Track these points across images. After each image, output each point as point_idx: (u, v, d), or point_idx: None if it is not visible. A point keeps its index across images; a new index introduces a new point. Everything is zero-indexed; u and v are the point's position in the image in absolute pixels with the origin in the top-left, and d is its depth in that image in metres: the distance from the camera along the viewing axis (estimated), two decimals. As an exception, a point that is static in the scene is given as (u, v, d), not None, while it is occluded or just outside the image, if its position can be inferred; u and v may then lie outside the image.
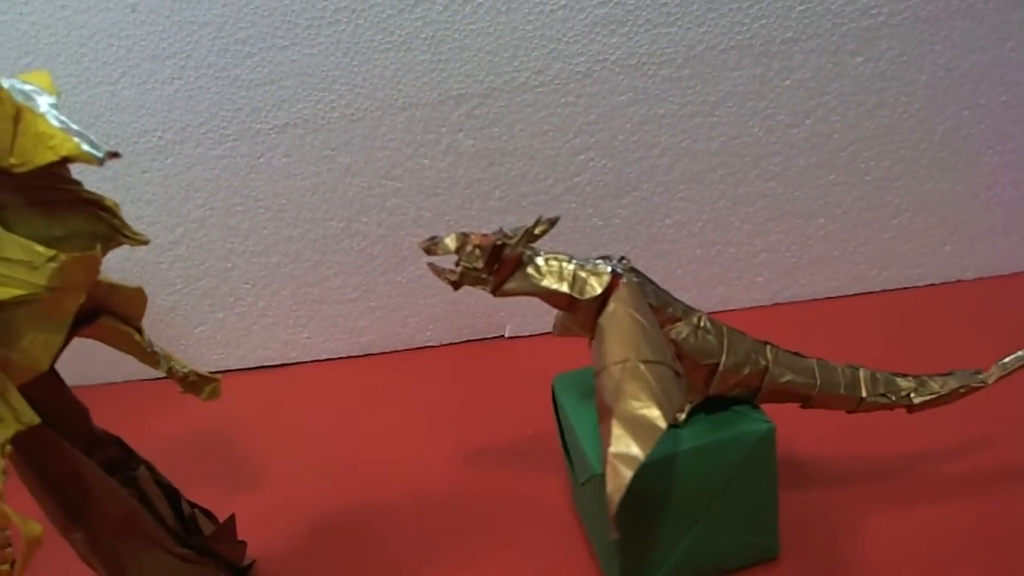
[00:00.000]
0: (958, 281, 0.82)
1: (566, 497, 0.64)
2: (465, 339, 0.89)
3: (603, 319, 0.47)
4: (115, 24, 0.78)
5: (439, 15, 0.75)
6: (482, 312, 0.88)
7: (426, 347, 0.90)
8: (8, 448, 0.45)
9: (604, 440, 0.41)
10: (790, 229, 0.81)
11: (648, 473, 0.49)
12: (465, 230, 0.49)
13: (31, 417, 0.47)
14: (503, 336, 0.89)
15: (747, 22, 0.73)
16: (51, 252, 0.45)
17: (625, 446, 0.40)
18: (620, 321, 0.46)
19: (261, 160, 0.82)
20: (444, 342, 0.90)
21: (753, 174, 0.79)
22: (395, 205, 0.83)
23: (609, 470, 0.39)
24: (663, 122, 0.77)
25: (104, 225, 0.49)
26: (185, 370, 0.57)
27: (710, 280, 0.83)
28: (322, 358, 0.91)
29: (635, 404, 0.41)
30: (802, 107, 0.76)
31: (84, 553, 0.54)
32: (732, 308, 0.84)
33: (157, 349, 0.56)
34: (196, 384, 0.58)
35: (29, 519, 0.45)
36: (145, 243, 0.50)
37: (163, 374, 0.56)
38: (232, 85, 0.79)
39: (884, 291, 0.82)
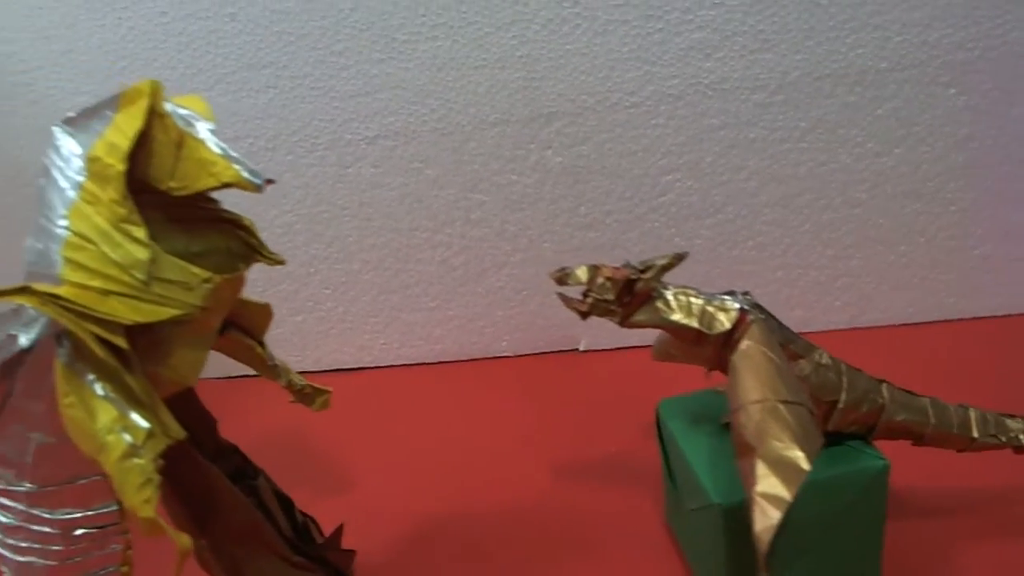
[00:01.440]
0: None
1: (659, 514, 0.65)
2: (540, 351, 0.91)
3: (737, 357, 0.48)
4: (213, 32, 0.80)
5: (536, 34, 0.76)
6: (558, 325, 0.89)
7: (501, 357, 0.92)
8: (160, 462, 0.46)
9: (746, 477, 0.42)
10: (872, 255, 0.81)
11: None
12: (596, 262, 0.51)
13: (178, 431, 0.48)
14: (577, 349, 0.90)
15: (843, 51, 0.73)
16: (206, 274, 0.46)
17: (772, 487, 0.41)
18: (755, 360, 0.47)
19: (350, 170, 0.84)
20: (519, 353, 0.91)
21: (839, 200, 0.79)
22: (479, 218, 0.85)
23: (757, 510, 0.41)
24: (752, 146, 0.78)
25: (239, 243, 0.50)
26: (302, 383, 0.59)
27: (789, 302, 0.84)
28: (397, 364, 0.93)
29: (778, 445, 0.42)
30: (892, 136, 0.76)
31: (206, 560, 0.55)
32: (809, 330, 0.85)
33: (277, 362, 0.58)
34: (309, 395, 0.60)
35: (179, 532, 0.46)
36: (281, 263, 0.52)
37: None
38: (326, 96, 0.81)
39: (962, 319, 0.83)
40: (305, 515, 0.60)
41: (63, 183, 0.45)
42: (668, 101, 0.77)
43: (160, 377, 0.47)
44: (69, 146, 0.45)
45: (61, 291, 0.44)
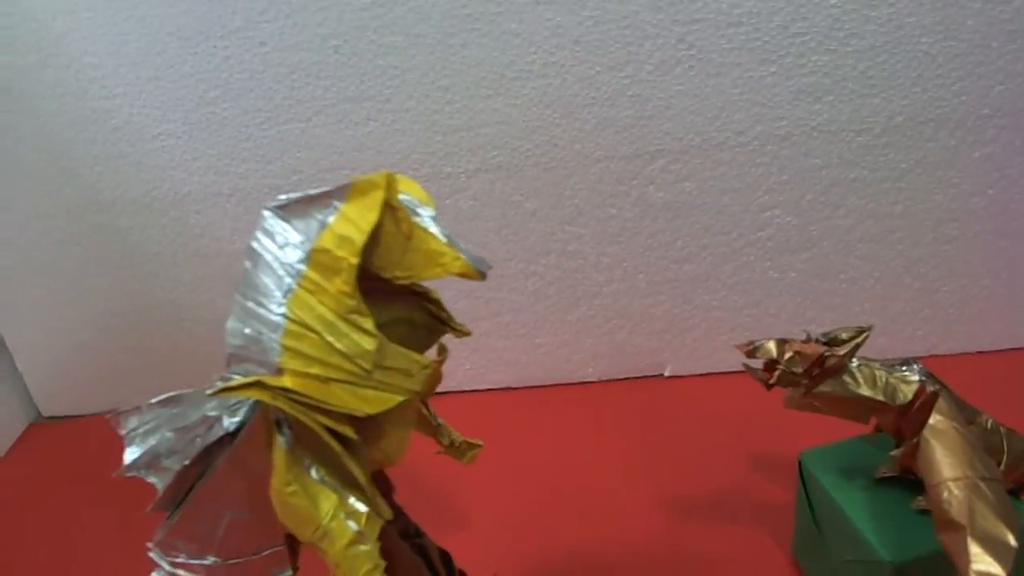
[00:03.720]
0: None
1: (782, 548, 0.68)
2: (624, 376, 0.93)
3: (929, 433, 0.50)
4: (315, 64, 0.78)
5: (648, 75, 0.76)
6: (645, 352, 0.91)
7: (585, 382, 0.93)
8: (379, 544, 0.47)
9: (958, 555, 0.45)
10: (957, 288, 0.85)
11: (929, 562, 0.53)
12: (785, 337, 0.52)
13: (388, 512, 0.49)
14: (662, 375, 0.92)
15: (948, 98, 0.75)
16: (427, 360, 0.47)
17: (987, 565, 0.44)
18: (948, 435, 0.49)
19: (448, 201, 0.83)
20: (603, 378, 0.93)
21: (930, 237, 0.82)
22: (576, 250, 0.85)
23: (980, 588, 0.43)
24: (852, 185, 0.80)
25: (423, 314, 0.51)
26: (460, 440, 0.60)
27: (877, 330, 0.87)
28: (481, 388, 0.94)
29: (986, 524, 0.45)
30: (987, 178, 0.79)
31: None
32: (888, 356, 0.88)
33: (440, 422, 0.59)
34: (461, 449, 0.61)
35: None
36: (468, 334, 0.52)
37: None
38: (428, 130, 0.80)
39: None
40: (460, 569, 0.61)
41: (279, 270, 0.44)
42: (775, 141, 0.78)
43: (369, 458, 0.48)
44: (285, 233, 0.45)
45: (288, 383, 0.44)
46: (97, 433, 1.02)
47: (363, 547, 0.46)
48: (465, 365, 0.92)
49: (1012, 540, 0.44)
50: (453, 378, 0.92)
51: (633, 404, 0.89)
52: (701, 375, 0.91)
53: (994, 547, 0.44)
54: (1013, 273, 0.84)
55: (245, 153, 0.83)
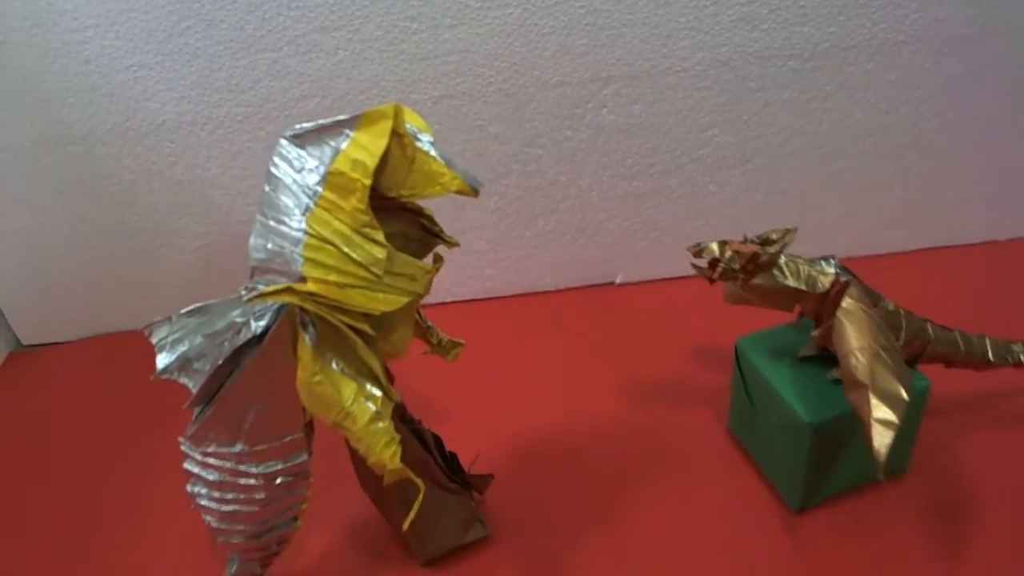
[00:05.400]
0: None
1: (720, 424, 0.79)
2: (580, 284, 1.02)
3: (841, 313, 0.60)
4: (285, -5, 0.82)
5: (602, 4, 0.82)
6: (598, 262, 1.00)
7: (544, 292, 1.02)
8: (392, 423, 0.55)
9: (860, 407, 0.55)
10: (873, 197, 0.95)
11: (841, 421, 0.64)
12: (725, 239, 0.61)
13: (397, 396, 0.57)
14: (614, 283, 1.02)
15: (868, 26, 0.84)
16: (428, 266, 0.54)
17: (884, 414, 0.54)
18: (856, 315, 0.59)
19: (415, 127, 0.89)
20: (561, 287, 1.02)
21: (850, 151, 0.92)
22: (534, 170, 0.92)
23: (875, 432, 0.54)
24: (783, 106, 0.89)
25: (416, 228, 0.58)
26: (446, 339, 0.68)
27: (800, 235, 0.97)
28: (447, 301, 1.02)
29: (884, 383, 0.56)
30: (900, 98, 0.89)
31: (387, 493, 0.65)
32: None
33: (429, 324, 0.66)
34: (446, 348, 0.69)
35: (417, 477, 0.56)
36: (457, 245, 0.59)
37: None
38: (396, 58, 0.85)
39: (942, 247, 0.99)
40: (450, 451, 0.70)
41: (297, 191, 0.51)
42: (715, 67, 0.86)
43: (381, 351, 0.56)
44: (301, 158, 0.51)
45: (313, 288, 0.51)
46: (78, 357, 1.07)
47: (381, 424, 0.54)
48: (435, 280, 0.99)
49: (905, 395, 0.55)
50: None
51: (589, 309, 0.99)
52: (649, 281, 1.01)
53: (891, 400, 0.55)
54: (922, 182, 0.95)
55: (218, 83, 0.87)
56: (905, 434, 0.68)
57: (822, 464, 0.67)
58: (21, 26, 0.83)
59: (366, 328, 0.53)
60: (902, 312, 0.66)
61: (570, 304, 1.00)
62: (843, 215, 0.96)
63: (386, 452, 0.54)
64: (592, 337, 0.93)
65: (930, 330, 0.67)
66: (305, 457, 0.60)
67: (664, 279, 1.01)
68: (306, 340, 0.52)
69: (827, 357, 0.67)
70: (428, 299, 0.61)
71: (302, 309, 0.52)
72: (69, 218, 0.96)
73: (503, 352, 0.92)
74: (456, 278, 1.00)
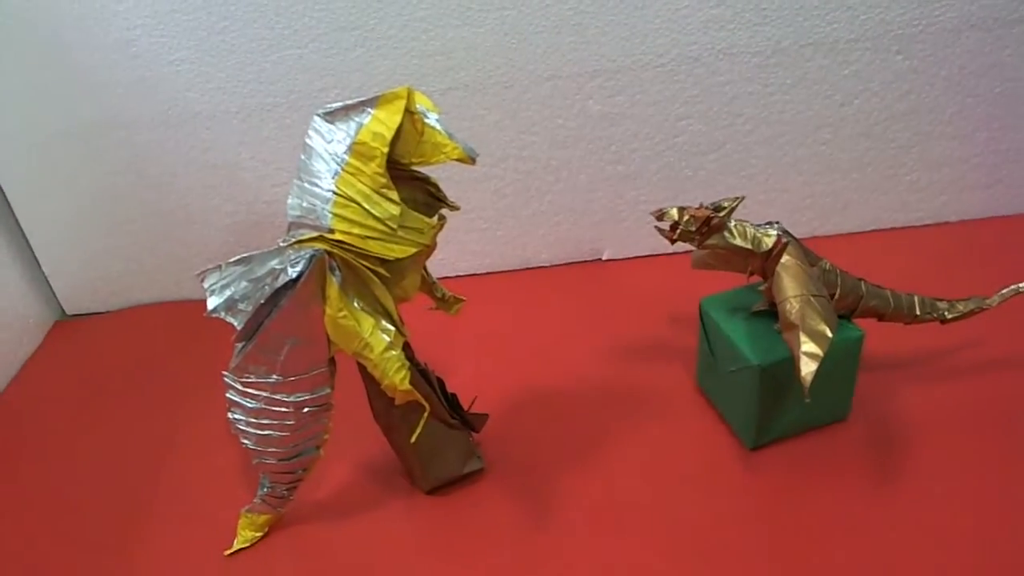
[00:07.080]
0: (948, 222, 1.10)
1: (690, 380, 0.89)
2: (570, 260, 1.13)
3: (780, 268, 0.71)
4: (311, -1, 0.93)
5: (588, 7, 0.94)
6: (587, 240, 1.11)
7: (538, 267, 1.13)
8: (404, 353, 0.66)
9: (791, 344, 0.66)
10: (831, 181, 1.06)
11: (786, 365, 0.75)
12: (683, 205, 0.72)
13: (407, 333, 0.68)
14: (601, 259, 1.13)
15: (823, 26, 0.95)
16: (433, 222, 0.65)
17: (811, 348, 0.65)
18: (792, 269, 0.70)
19: (423, 116, 1.00)
20: (553, 263, 1.13)
21: (810, 139, 1.03)
22: (529, 155, 1.04)
23: (802, 363, 0.65)
24: (749, 98, 1.00)
25: (424, 194, 0.69)
26: (449, 295, 0.79)
27: (767, 216, 1.08)
28: (452, 275, 1.13)
29: (813, 323, 0.66)
30: (853, 91, 1.00)
31: (396, 425, 0.76)
32: (780, 239, 1.10)
33: (434, 280, 0.77)
34: (449, 303, 0.80)
35: (422, 398, 0.67)
36: (458, 208, 0.70)
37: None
38: (408, 55, 0.96)
39: (894, 228, 1.10)
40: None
41: (328, 159, 0.62)
42: (688, 62, 0.97)
43: (394, 294, 0.67)
44: (331, 132, 0.62)
45: (340, 237, 0.62)
46: (118, 326, 1.18)
47: (394, 352, 0.65)
48: (438, 255, 1.10)
49: (829, 332, 0.66)
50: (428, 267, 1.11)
51: (578, 283, 1.10)
52: (632, 258, 1.12)
53: (817, 337, 0.66)
54: (876, 168, 1.06)
55: (250, 76, 0.98)
56: (844, 381, 0.79)
57: (771, 404, 0.77)
58: (77, 26, 0.95)
59: (382, 271, 0.64)
60: (838, 271, 0.76)
61: (561, 278, 1.11)
62: (805, 196, 1.07)
63: (398, 376, 0.65)
64: (580, 307, 1.04)
65: (863, 287, 0.77)
66: (328, 390, 0.71)
67: (646, 255, 1.12)
68: (334, 281, 0.63)
69: (776, 312, 0.77)
70: (434, 274, 0.72)
71: (330, 255, 0.63)
72: (112, 198, 1.07)
73: (501, 318, 1.03)
74: (459, 254, 1.11)
